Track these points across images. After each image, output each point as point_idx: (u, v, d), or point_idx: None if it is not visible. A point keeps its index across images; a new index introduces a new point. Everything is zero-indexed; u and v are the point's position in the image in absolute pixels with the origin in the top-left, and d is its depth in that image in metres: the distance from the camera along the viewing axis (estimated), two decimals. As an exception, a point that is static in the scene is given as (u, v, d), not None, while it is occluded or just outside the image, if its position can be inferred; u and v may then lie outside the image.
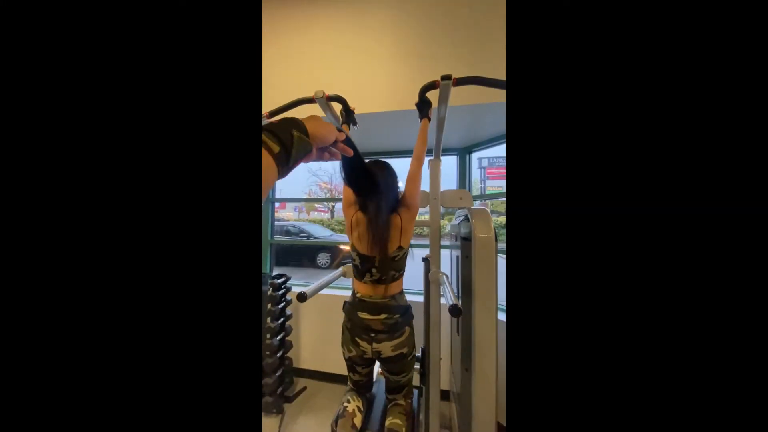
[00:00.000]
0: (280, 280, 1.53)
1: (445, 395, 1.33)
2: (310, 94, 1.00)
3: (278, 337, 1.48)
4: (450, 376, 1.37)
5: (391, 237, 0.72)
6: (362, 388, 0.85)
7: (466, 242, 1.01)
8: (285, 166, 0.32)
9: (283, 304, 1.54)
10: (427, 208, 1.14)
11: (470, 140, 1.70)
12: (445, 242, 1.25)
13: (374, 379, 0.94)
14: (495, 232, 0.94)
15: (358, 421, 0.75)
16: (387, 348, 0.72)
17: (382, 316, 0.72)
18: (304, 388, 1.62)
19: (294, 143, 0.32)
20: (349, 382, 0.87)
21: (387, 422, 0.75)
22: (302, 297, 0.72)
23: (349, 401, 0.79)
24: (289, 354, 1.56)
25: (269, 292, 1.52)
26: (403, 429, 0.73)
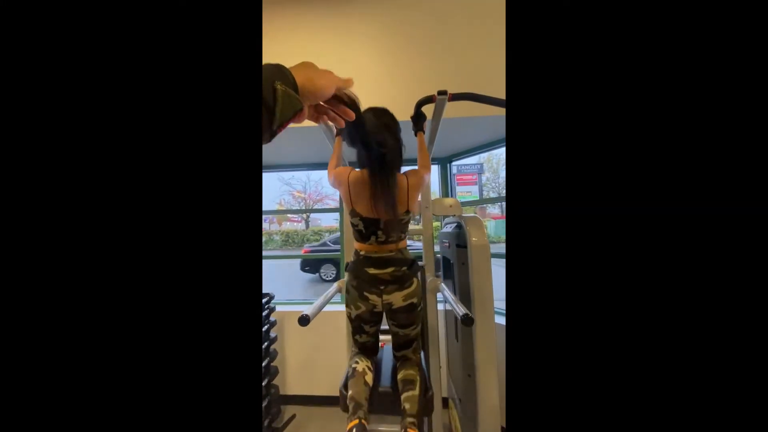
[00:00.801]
0: (262, 300, 1.41)
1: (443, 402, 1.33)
2: None
3: (263, 364, 1.35)
4: (448, 382, 1.38)
5: (399, 198, 0.69)
6: (369, 350, 0.80)
7: (461, 249, 1.04)
8: (267, 130, 0.24)
9: (266, 326, 1.42)
10: (417, 217, 1.16)
11: (451, 150, 1.79)
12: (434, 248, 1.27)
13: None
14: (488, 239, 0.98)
15: (369, 378, 0.71)
16: (398, 298, 0.70)
17: (390, 269, 0.70)
18: (293, 417, 1.49)
19: (278, 100, 0.24)
20: (354, 347, 0.82)
21: (400, 375, 0.72)
22: (304, 320, 0.67)
23: (357, 362, 0.74)
24: (274, 381, 1.43)
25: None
26: (418, 378, 0.70)
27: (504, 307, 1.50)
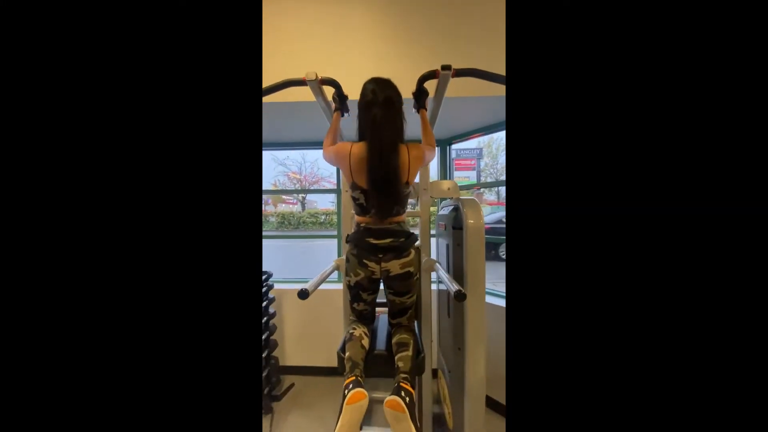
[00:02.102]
0: (262, 277, 1.43)
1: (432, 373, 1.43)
2: (294, 76, 0.91)
3: (263, 337, 1.40)
4: (438, 355, 1.46)
5: (401, 166, 0.70)
6: (365, 318, 0.84)
7: (457, 231, 1.06)
8: None
9: (265, 302, 1.45)
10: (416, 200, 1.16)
11: (450, 132, 1.75)
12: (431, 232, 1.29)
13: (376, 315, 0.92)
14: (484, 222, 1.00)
15: (366, 342, 0.76)
16: (395, 266, 0.73)
17: (389, 240, 0.73)
18: (292, 385, 1.58)
19: None
20: (351, 316, 0.86)
21: (395, 339, 0.76)
22: (304, 294, 0.69)
23: (354, 328, 0.78)
24: (274, 353, 1.50)
25: (250, 291, 1.43)
26: (411, 341, 0.75)
27: (493, 288, 1.56)
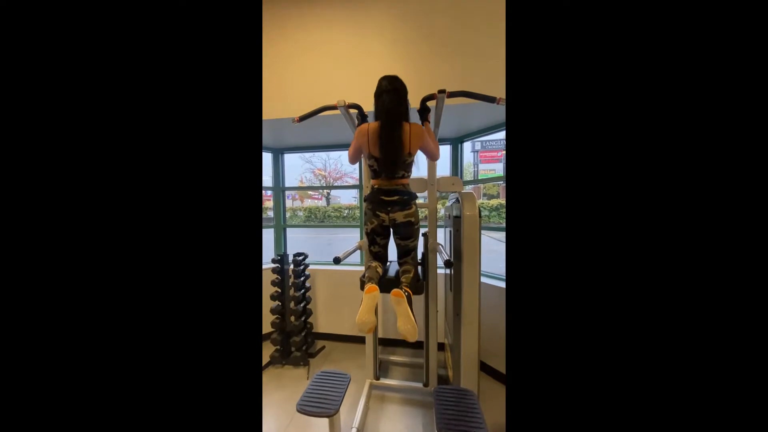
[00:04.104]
0: (300, 258, 1.78)
1: (440, 347, 1.67)
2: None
3: (301, 305, 1.75)
4: (444, 328, 1.70)
5: (403, 141, 0.96)
6: (380, 258, 1.14)
7: (457, 219, 1.27)
8: None
9: (303, 278, 1.80)
10: (425, 193, 1.39)
11: (461, 131, 1.92)
12: (440, 223, 1.51)
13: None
14: (479, 211, 1.20)
15: (380, 270, 1.07)
16: (400, 216, 1.01)
17: (396, 197, 1.01)
18: (323, 347, 1.94)
19: None
20: (369, 256, 1.17)
21: (401, 269, 1.07)
22: (337, 260, 0.98)
23: (372, 263, 1.09)
24: (309, 320, 1.85)
25: (291, 267, 1.78)
26: (413, 271, 1.04)
27: (488, 271, 1.74)
